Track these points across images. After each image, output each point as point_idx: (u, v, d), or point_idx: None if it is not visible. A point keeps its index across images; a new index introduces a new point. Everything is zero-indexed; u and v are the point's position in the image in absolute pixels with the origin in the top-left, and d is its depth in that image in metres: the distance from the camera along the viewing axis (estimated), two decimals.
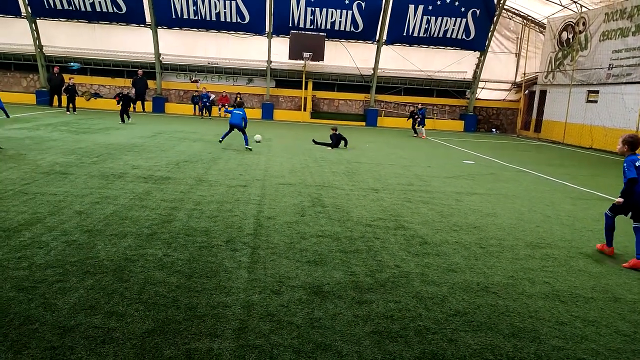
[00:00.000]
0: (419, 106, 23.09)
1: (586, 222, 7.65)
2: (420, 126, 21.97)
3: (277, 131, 20.11)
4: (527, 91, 27.63)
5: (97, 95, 25.62)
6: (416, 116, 22.17)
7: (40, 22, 24.39)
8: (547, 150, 20.07)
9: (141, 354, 3.15)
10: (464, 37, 25.54)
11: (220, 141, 13.96)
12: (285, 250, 5.35)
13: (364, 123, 26.99)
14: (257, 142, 14.95)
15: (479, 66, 26.69)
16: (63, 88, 21.89)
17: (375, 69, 26.13)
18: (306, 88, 26.38)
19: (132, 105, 15.43)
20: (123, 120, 18.44)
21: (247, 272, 4.64)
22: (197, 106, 25.54)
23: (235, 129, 13.55)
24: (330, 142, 15.41)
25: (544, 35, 26.18)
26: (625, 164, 5.61)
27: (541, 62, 25.97)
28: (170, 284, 4.25)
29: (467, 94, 28.06)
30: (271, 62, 25.65)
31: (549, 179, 11.91)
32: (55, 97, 23.86)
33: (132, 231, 5.60)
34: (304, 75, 25.81)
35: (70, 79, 21.77)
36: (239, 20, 24.43)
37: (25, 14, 23.83)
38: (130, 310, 3.72)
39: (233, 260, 4.92)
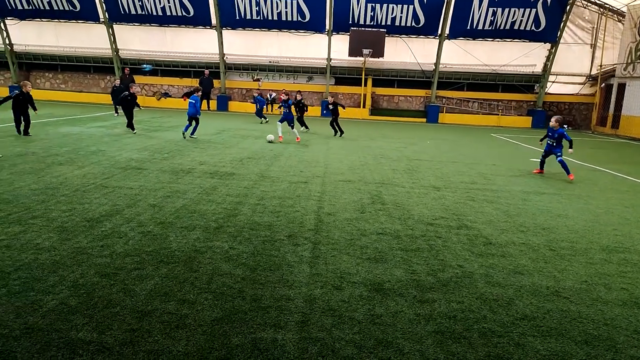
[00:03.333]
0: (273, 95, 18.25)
1: None
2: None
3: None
4: (603, 84, 25.77)
5: (166, 95, 27.03)
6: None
7: (116, 27, 26.10)
8: (626, 148, 18.64)
9: (211, 340, 3.33)
10: (533, 28, 24.24)
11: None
12: (346, 246, 5.40)
13: (424, 119, 26.44)
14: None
15: (550, 59, 25.22)
16: (110, 91, 22.32)
17: (436, 64, 25.48)
18: (365, 85, 26.26)
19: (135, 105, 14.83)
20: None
21: (309, 266, 4.75)
22: (256, 105, 26.19)
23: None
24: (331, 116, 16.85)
25: (623, 24, 24.25)
26: (564, 132, 10.34)
27: (619, 53, 24.09)
28: (236, 275, 4.44)
29: (535, 88, 26.64)
30: (331, 59, 25.78)
31: (628, 179, 11.08)
32: None
33: (200, 224, 5.90)
34: (363, 72, 25.71)
35: (115, 81, 22.52)
36: (299, 18, 24.75)
37: (103, 20, 25.62)
38: (200, 298, 3.94)
39: (295, 255, 5.04)
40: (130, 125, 14.76)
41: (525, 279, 4.71)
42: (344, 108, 17.81)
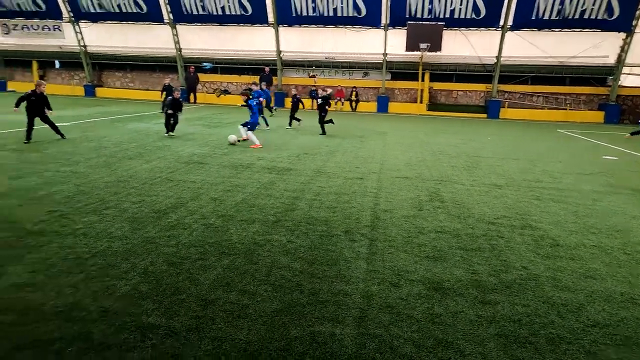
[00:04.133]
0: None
1: None
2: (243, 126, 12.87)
3: (393, 124, 19.95)
4: None
5: (226, 92, 27.86)
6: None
7: (179, 27, 27.22)
8: None
9: (271, 330, 3.42)
10: (605, 17, 22.62)
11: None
12: (403, 244, 5.33)
13: (485, 115, 25.49)
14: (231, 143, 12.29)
15: (624, 49, 23.44)
16: (161, 89, 21.83)
17: (498, 57, 24.44)
18: (423, 80, 25.69)
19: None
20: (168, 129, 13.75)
21: (366, 263, 4.73)
22: (315, 100, 26.40)
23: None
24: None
25: None
26: None
27: None
28: (294, 268, 4.52)
29: (608, 81, 24.87)
30: (387, 54, 25.45)
31: None
32: (192, 94, 26.64)
33: (259, 218, 6.05)
34: (420, 67, 25.16)
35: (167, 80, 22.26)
36: (355, 14, 24.61)
37: (167, 21, 26.80)
38: (260, 290, 4.04)
39: (352, 251, 5.05)
40: (170, 127, 13.38)
41: (597, 284, 4.44)
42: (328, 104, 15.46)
